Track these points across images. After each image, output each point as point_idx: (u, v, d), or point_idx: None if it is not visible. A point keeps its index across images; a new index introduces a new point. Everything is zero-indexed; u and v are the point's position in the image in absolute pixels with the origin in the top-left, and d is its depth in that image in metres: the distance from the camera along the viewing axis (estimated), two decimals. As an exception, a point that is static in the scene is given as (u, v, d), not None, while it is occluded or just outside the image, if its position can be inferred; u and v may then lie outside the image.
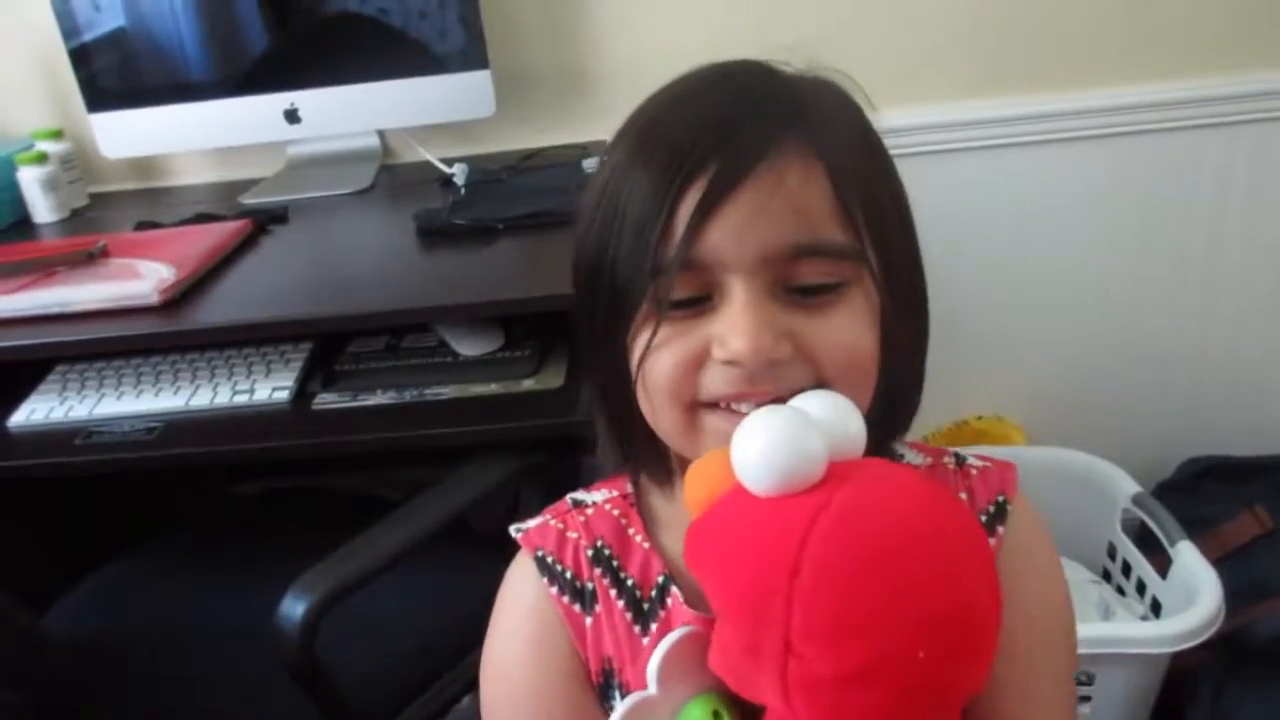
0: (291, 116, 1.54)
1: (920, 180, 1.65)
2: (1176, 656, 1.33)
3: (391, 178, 1.63)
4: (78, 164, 1.65)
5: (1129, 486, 1.54)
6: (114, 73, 1.55)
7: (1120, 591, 1.56)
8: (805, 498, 0.47)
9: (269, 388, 1.21)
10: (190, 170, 1.74)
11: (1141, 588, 1.50)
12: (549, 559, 0.66)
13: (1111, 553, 1.58)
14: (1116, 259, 1.66)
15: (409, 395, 1.19)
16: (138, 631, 1.23)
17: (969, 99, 1.58)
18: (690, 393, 0.56)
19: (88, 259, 1.30)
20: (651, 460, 0.64)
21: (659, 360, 0.56)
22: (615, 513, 0.67)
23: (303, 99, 1.53)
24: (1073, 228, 1.65)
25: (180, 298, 1.22)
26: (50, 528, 1.45)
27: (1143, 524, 1.51)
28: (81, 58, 1.52)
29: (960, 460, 0.66)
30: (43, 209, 1.58)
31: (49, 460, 1.17)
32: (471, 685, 1.17)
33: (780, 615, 0.44)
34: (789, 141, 0.54)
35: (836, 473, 0.48)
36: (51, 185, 1.58)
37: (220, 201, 1.57)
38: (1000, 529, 0.63)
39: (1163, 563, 1.44)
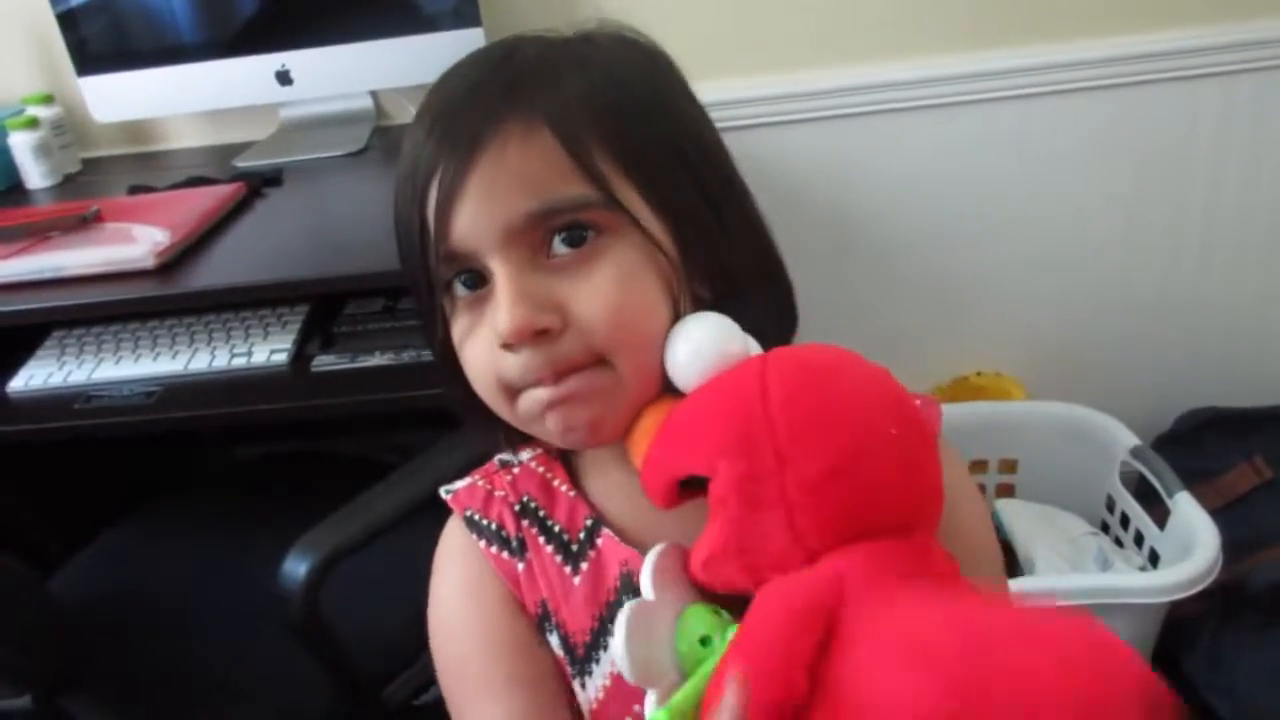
0: (283, 78, 1.53)
1: (915, 135, 1.67)
2: (1175, 606, 1.34)
3: (385, 139, 1.61)
4: (69, 129, 1.63)
5: (1127, 439, 1.54)
6: (103, 36, 1.53)
7: (1119, 543, 1.57)
8: (746, 362, 0.53)
9: (267, 350, 1.21)
10: (182, 134, 1.73)
11: (1140, 539, 1.51)
12: (476, 516, 0.68)
13: (1110, 505, 1.59)
14: (1114, 211, 1.66)
15: (407, 356, 1.19)
16: (141, 595, 1.24)
17: (963, 52, 1.56)
18: (501, 380, 0.57)
19: (81, 224, 1.30)
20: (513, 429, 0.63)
21: (469, 353, 0.59)
22: (540, 469, 0.68)
23: (294, 60, 1.52)
24: (1069, 181, 1.64)
25: (175, 261, 1.22)
26: (52, 494, 1.45)
27: (1141, 476, 1.51)
28: (70, 21, 1.51)
29: None
30: (35, 175, 1.57)
31: (49, 425, 1.18)
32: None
33: (765, 434, 0.48)
34: (508, 116, 0.55)
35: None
36: (43, 151, 1.57)
37: (213, 165, 1.56)
38: None
39: (1161, 514, 1.44)
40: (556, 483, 0.67)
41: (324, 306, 1.28)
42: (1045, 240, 1.68)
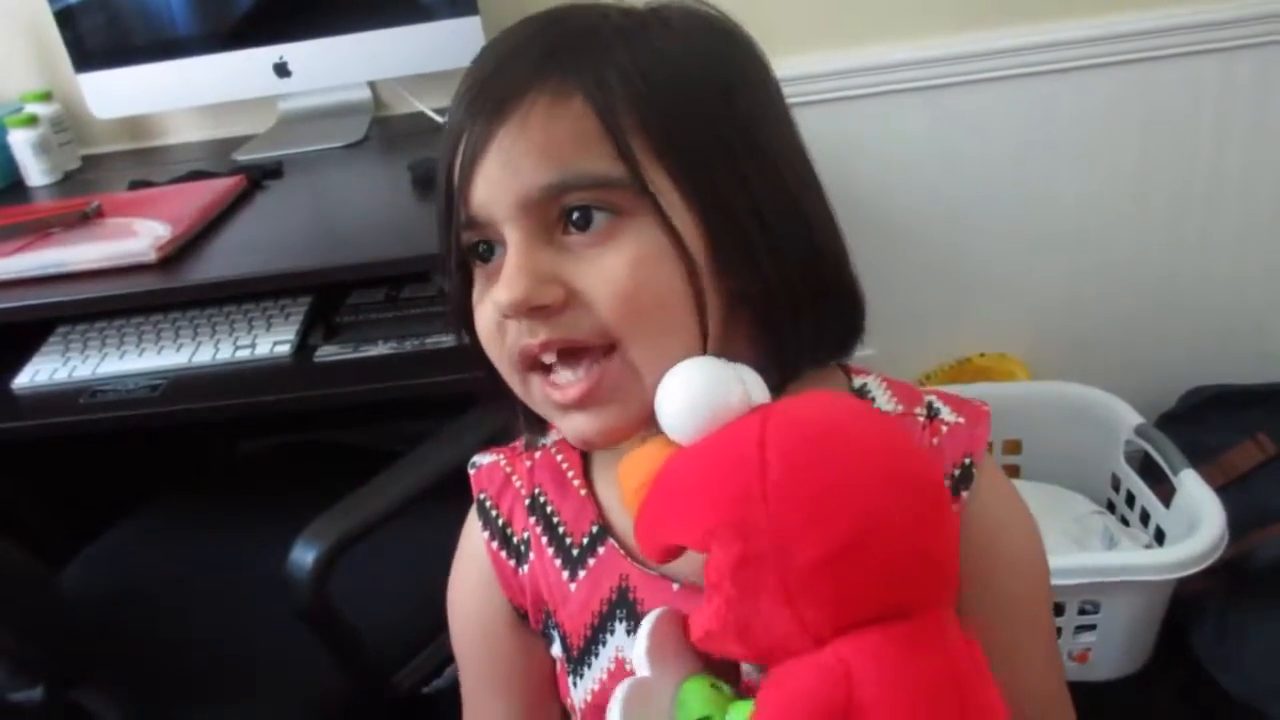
0: (281, 70, 1.53)
1: (914, 117, 1.67)
2: (1181, 583, 1.34)
3: (384, 129, 1.62)
4: (68, 126, 1.63)
5: (1132, 418, 1.54)
6: (101, 32, 1.53)
7: (1124, 522, 1.57)
8: (744, 419, 0.49)
9: (270, 342, 1.21)
10: (182, 129, 1.73)
11: (1145, 517, 1.51)
12: (488, 503, 0.69)
13: (1115, 484, 1.59)
14: (1115, 190, 1.65)
15: (410, 345, 1.19)
16: (150, 588, 1.25)
17: (959, 32, 1.56)
18: (508, 352, 0.56)
19: (83, 219, 1.30)
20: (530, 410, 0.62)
21: (479, 321, 0.58)
22: (559, 457, 0.68)
23: (292, 52, 1.52)
24: (1072, 159, 1.63)
25: (177, 255, 1.22)
26: (59, 489, 1.46)
27: (1146, 455, 1.51)
28: (67, 18, 1.51)
29: (933, 413, 0.63)
30: (35, 172, 1.58)
31: (55, 420, 1.18)
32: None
33: (762, 515, 0.45)
34: (538, 82, 0.53)
35: (758, 408, 0.51)
36: (43, 148, 1.57)
37: (213, 159, 1.56)
38: (964, 493, 0.60)
39: (1166, 492, 1.44)
40: (571, 475, 0.67)
41: (326, 297, 1.28)
42: (1047, 220, 1.68)
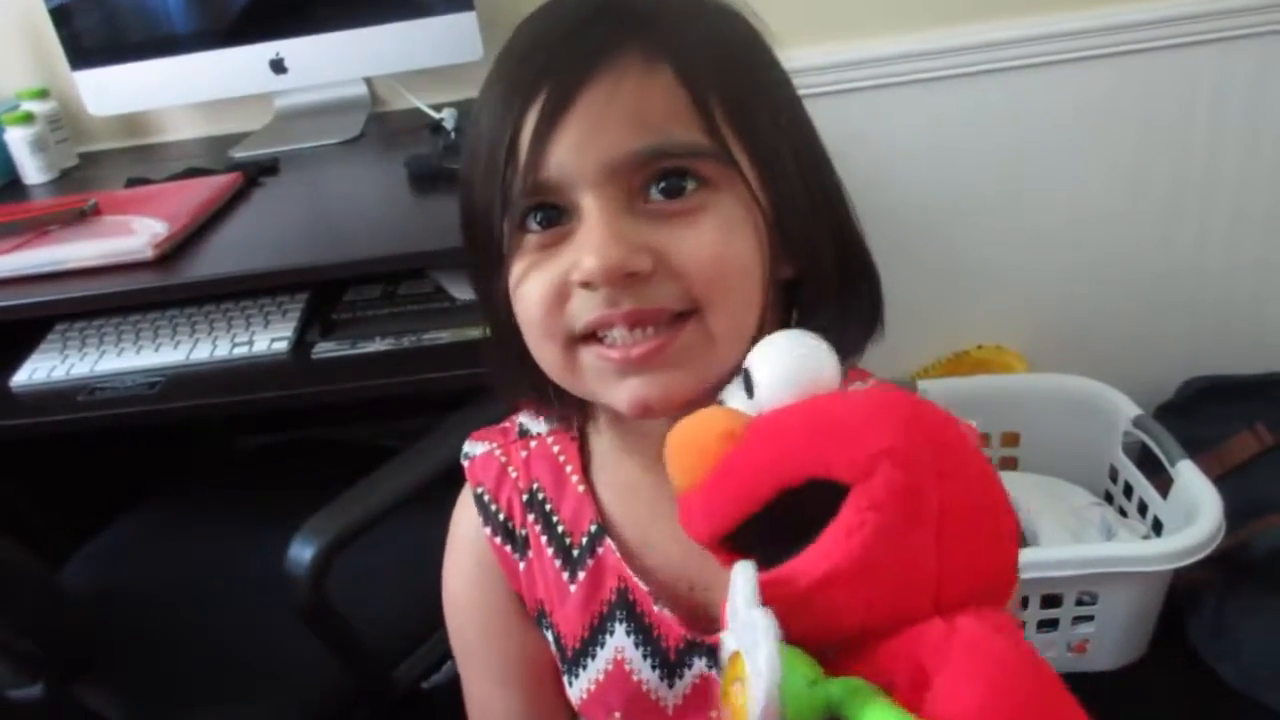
0: (277, 67, 1.52)
1: (910, 110, 1.66)
2: (1178, 574, 1.34)
3: (381, 125, 1.62)
4: (65, 123, 1.63)
5: (1129, 409, 1.54)
6: (97, 29, 1.53)
7: (1122, 513, 1.57)
8: (879, 387, 0.49)
9: (268, 339, 1.21)
10: (178, 126, 1.73)
11: (1143, 508, 1.52)
12: (486, 497, 0.68)
13: (1113, 475, 1.59)
14: (1113, 181, 1.65)
15: (407, 341, 1.19)
16: (149, 585, 1.25)
17: (955, 25, 1.56)
18: (563, 326, 0.54)
19: (80, 217, 1.30)
20: (565, 397, 0.61)
21: (526, 294, 0.55)
22: (556, 449, 0.67)
23: (288, 48, 1.51)
24: (1069, 152, 1.63)
25: (174, 252, 1.22)
26: (58, 487, 1.46)
27: (1144, 446, 1.51)
28: (63, 15, 1.50)
29: None
30: (32, 170, 1.57)
31: (53, 418, 1.18)
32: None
33: (927, 450, 0.44)
34: (627, 46, 0.51)
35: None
36: (40, 145, 1.57)
37: (210, 156, 1.56)
38: None
39: (1164, 483, 1.45)
40: (569, 469, 0.66)
41: (323, 294, 1.28)
42: (1044, 212, 1.68)
